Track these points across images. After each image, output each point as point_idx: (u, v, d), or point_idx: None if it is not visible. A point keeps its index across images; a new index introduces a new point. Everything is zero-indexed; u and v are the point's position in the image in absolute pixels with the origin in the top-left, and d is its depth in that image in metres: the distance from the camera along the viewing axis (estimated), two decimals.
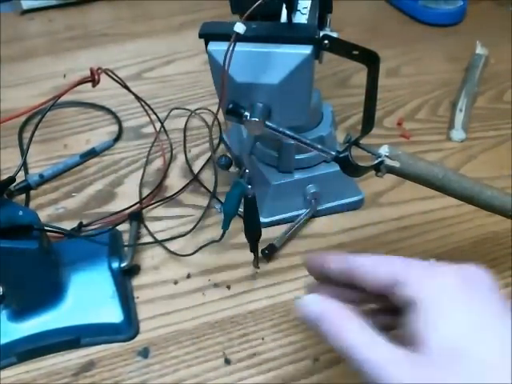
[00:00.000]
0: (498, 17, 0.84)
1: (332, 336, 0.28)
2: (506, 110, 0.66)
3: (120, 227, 0.52)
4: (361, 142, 0.40)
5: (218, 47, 0.39)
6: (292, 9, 0.41)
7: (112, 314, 0.43)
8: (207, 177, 0.57)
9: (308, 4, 0.43)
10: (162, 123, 0.63)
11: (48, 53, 0.80)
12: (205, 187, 0.56)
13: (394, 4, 0.88)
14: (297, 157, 0.50)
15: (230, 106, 0.42)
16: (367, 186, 0.54)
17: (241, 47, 0.37)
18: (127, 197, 0.55)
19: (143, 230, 0.52)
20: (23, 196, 0.55)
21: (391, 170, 0.39)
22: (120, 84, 0.45)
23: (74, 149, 0.62)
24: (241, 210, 0.42)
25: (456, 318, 0.26)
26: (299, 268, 0.48)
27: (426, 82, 0.71)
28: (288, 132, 0.42)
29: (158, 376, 0.41)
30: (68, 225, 0.51)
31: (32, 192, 0.55)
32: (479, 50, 0.73)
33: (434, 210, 0.53)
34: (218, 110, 0.40)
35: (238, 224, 0.45)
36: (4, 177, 0.39)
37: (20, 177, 0.52)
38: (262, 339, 0.43)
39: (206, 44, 0.40)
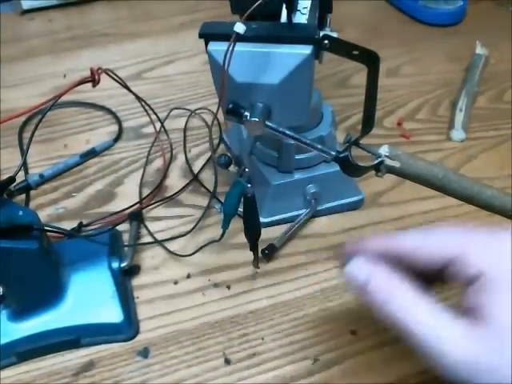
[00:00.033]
0: (498, 17, 0.84)
1: (383, 303, 0.26)
2: (506, 110, 0.66)
3: (120, 227, 0.52)
4: (361, 141, 0.40)
5: (218, 47, 0.39)
6: (292, 9, 0.41)
7: (112, 313, 0.43)
8: (207, 177, 0.57)
9: (308, 4, 0.43)
10: (162, 123, 0.63)
11: (48, 53, 0.80)
12: (205, 187, 0.56)
13: (394, 4, 0.88)
14: (297, 157, 0.50)
15: (230, 106, 0.42)
16: (367, 186, 0.54)
17: (241, 47, 0.37)
18: (127, 197, 0.55)
19: (143, 230, 0.52)
20: (23, 196, 0.55)
21: (391, 170, 0.39)
22: (120, 84, 0.45)
23: (73, 149, 0.62)
24: (240, 209, 0.42)
25: None
26: (299, 268, 0.48)
27: (426, 82, 0.71)
28: (288, 132, 0.42)
29: (158, 376, 0.41)
30: (68, 225, 0.51)
31: (32, 192, 0.55)
32: (479, 50, 0.73)
33: (434, 210, 0.53)
34: (217, 110, 0.40)
35: (237, 224, 0.45)
36: (4, 177, 0.39)
37: (20, 177, 0.52)
38: (262, 339, 0.43)
39: (206, 44, 0.40)
